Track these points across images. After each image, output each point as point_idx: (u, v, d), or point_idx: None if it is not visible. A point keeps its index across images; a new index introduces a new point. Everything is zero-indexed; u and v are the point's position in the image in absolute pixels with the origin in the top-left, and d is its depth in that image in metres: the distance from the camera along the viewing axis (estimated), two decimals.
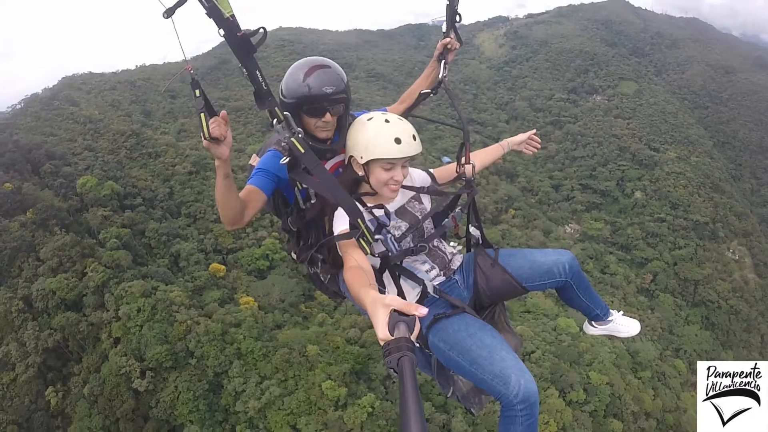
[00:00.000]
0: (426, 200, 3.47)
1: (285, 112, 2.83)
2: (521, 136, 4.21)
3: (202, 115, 2.58)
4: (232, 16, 2.46)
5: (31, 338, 44.34)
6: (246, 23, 2.51)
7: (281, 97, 3.17)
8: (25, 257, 49.79)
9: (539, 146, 4.24)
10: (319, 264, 3.46)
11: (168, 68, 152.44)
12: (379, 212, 3.08)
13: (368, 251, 2.82)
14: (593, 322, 3.98)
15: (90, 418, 41.40)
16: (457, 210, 3.53)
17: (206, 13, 2.43)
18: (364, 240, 2.81)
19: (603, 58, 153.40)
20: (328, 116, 3.20)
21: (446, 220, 3.48)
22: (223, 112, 2.67)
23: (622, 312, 4.02)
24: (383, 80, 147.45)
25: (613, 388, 54.10)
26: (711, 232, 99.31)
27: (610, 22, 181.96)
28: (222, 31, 2.50)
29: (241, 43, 2.55)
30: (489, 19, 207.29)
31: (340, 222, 2.96)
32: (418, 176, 3.52)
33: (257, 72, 2.68)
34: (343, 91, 3.20)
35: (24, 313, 45.84)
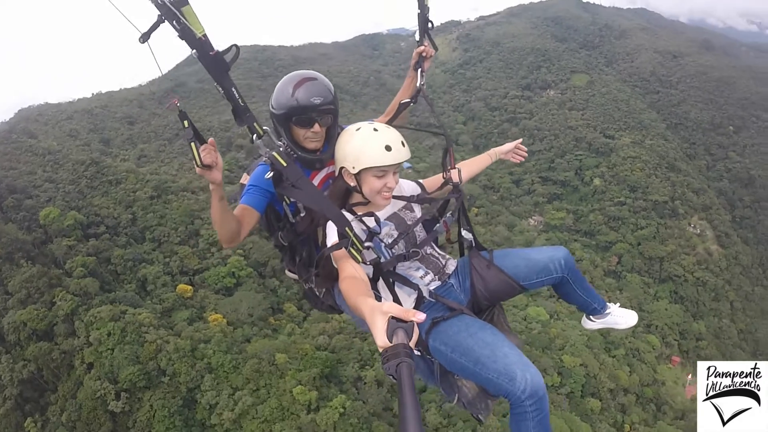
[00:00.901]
0: (417, 209, 3.56)
1: (264, 127, 2.98)
2: (508, 146, 4.37)
3: (193, 144, 2.71)
4: (204, 35, 2.57)
5: (5, 371, 45.38)
6: (215, 42, 2.69)
7: (271, 110, 3.32)
8: None
9: (526, 155, 4.42)
10: (314, 279, 3.54)
11: (125, 94, 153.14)
12: (369, 220, 3.17)
13: (359, 259, 2.88)
14: (591, 317, 4.06)
15: None
16: (447, 215, 3.63)
17: (178, 35, 2.54)
18: (354, 248, 2.87)
19: (554, 53, 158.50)
20: (317, 127, 3.30)
21: (437, 225, 3.57)
22: (211, 139, 2.82)
23: (618, 304, 4.13)
24: (340, 91, 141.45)
25: (588, 369, 56.77)
26: (671, 210, 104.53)
27: (559, 18, 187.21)
28: (195, 52, 2.61)
29: (215, 62, 2.66)
30: (442, 24, 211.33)
31: (333, 233, 3.02)
32: (408, 186, 3.63)
33: (233, 89, 2.78)
34: (331, 102, 3.33)
35: None
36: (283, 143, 3.32)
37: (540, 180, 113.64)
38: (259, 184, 3.29)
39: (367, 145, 3.05)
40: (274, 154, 2.92)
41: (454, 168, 3.66)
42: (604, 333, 65.75)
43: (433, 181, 3.80)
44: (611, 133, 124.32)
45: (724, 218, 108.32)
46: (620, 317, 4.00)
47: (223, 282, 63.55)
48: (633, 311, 4.09)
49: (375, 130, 3.12)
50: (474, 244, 3.59)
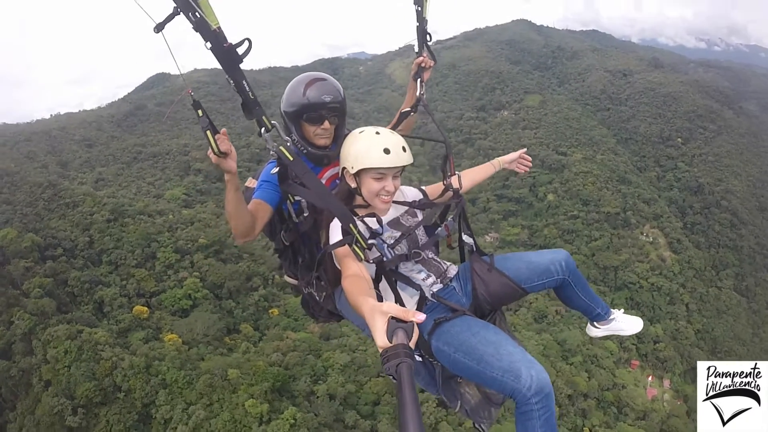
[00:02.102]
0: (419, 215, 3.61)
1: (272, 121, 3.06)
2: (512, 155, 4.40)
3: (208, 132, 2.79)
4: (219, 28, 2.64)
5: None
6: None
7: (282, 109, 3.53)
8: None
9: (531, 164, 4.47)
10: (314, 282, 3.59)
11: (84, 116, 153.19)
12: (372, 221, 3.24)
13: (362, 257, 2.91)
14: (595, 323, 4.06)
15: None
16: (449, 219, 3.69)
17: (193, 27, 2.60)
18: (357, 246, 2.91)
19: (508, 75, 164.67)
20: (326, 124, 3.50)
21: (439, 228, 3.66)
22: (223, 129, 2.89)
23: (623, 310, 4.12)
24: None
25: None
26: (623, 221, 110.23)
27: (513, 41, 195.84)
28: (209, 44, 2.65)
29: (228, 54, 2.72)
30: (399, 48, 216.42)
31: (336, 234, 3.05)
32: (410, 192, 3.69)
33: (244, 82, 2.86)
34: (340, 101, 3.53)
35: None
36: (293, 140, 3.48)
37: (495, 198, 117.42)
38: (271, 180, 3.42)
39: (367, 147, 3.15)
40: (281, 148, 3.02)
41: (454, 175, 3.79)
42: (561, 341, 69.78)
43: (435, 188, 3.89)
44: (563, 150, 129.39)
45: (676, 225, 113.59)
46: (625, 323, 4.08)
47: (180, 304, 65.50)
48: (638, 317, 4.15)
49: (377, 133, 3.23)
50: (475, 249, 3.65)
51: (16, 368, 48.06)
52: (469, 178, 4.10)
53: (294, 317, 67.95)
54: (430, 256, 3.53)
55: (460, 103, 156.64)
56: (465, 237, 3.65)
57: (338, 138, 3.64)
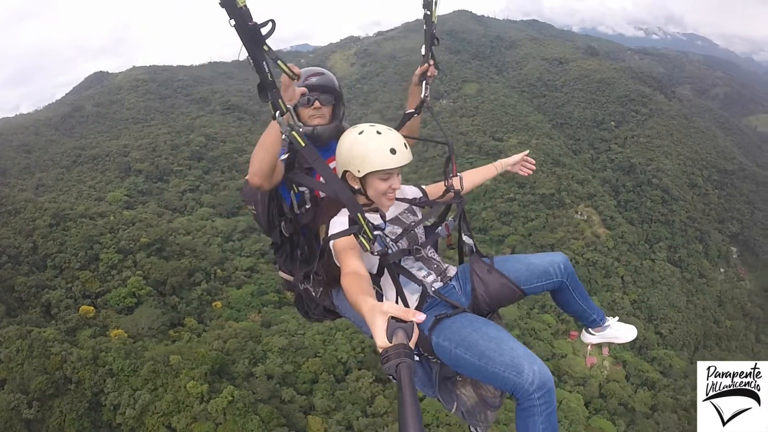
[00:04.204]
0: (419, 212, 3.78)
1: (288, 105, 3.09)
2: (515, 158, 4.53)
3: (280, 61, 3.03)
4: (245, 6, 2.69)
5: None
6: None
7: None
8: None
9: (534, 167, 4.56)
10: (311, 278, 3.64)
11: (20, 121, 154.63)
12: (373, 216, 3.26)
13: (367, 248, 2.94)
14: (590, 329, 4.24)
15: None
16: (449, 219, 3.83)
17: (219, 3, 2.64)
18: (364, 236, 2.94)
19: (447, 65, 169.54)
20: (317, 104, 3.80)
21: (439, 228, 3.79)
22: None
23: (617, 318, 4.29)
24: (239, 111, 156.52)
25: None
26: (558, 201, 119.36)
27: (453, 32, 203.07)
28: (233, 21, 2.70)
29: (252, 33, 2.78)
30: (341, 40, 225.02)
31: (337, 228, 3.12)
32: (410, 191, 3.87)
33: (264, 63, 2.89)
34: (329, 84, 3.90)
35: None
36: (302, 126, 3.50)
37: (434, 184, 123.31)
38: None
39: (372, 148, 3.19)
40: (294, 133, 3.05)
41: (456, 176, 3.88)
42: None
43: (435, 188, 4.03)
44: (500, 135, 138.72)
45: (609, 203, 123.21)
46: (619, 331, 4.21)
47: (125, 302, 69.32)
48: (632, 326, 4.28)
49: (378, 132, 3.26)
50: (475, 250, 3.74)
51: None
52: (470, 179, 4.17)
53: (237, 308, 73.64)
54: (430, 254, 3.69)
55: (400, 93, 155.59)
56: (465, 237, 3.77)
57: (335, 118, 4.00)
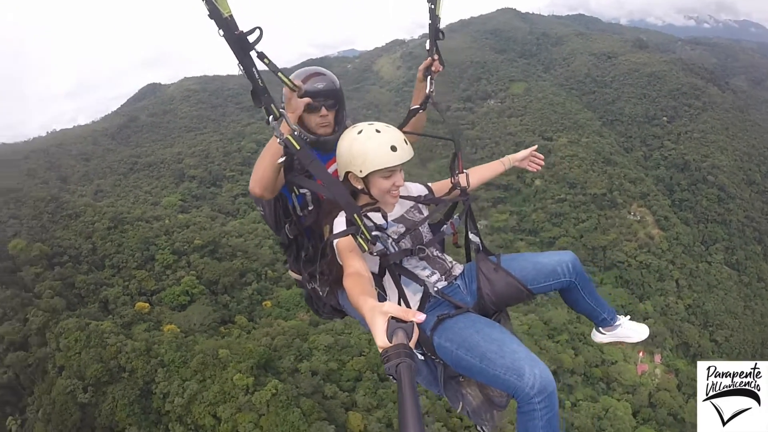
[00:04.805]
0: (425, 210, 3.70)
1: (281, 109, 3.12)
2: (523, 153, 4.41)
3: (280, 74, 3.16)
4: (231, 16, 2.74)
5: None
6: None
7: (282, 106, 3.52)
8: None
9: (543, 163, 4.46)
10: (318, 277, 3.73)
11: (79, 132, 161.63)
12: (376, 216, 3.33)
13: (366, 248, 2.96)
14: (601, 329, 4.17)
15: None
16: (455, 217, 3.79)
17: (208, 15, 2.70)
18: (362, 237, 2.94)
19: (493, 64, 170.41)
20: (323, 111, 3.77)
21: (444, 226, 3.74)
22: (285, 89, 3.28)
23: (629, 317, 4.21)
24: None
25: None
26: (610, 201, 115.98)
27: (498, 30, 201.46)
28: (221, 31, 2.76)
29: (239, 41, 2.82)
30: (386, 44, 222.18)
31: (340, 228, 3.13)
32: (416, 188, 3.82)
33: (254, 69, 2.94)
34: (335, 89, 3.86)
35: None
36: (298, 130, 3.49)
37: (483, 186, 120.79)
38: None
39: (372, 147, 3.18)
40: (289, 137, 3.03)
41: (462, 172, 3.84)
42: (546, 320, 73.40)
43: (441, 186, 3.98)
44: (549, 135, 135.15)
45: (663, 203, 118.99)
46: (631, 330, 4.14)
47: (178, 300, 72.74)
48: (644, 325, 4.21)
49: (377, 131, 3.24)
50: (481, 248, 3.73)
51: (33, 357, 55.80)
52: (477, 176, 4.13)
53: (286, 308, 75.07)
54: (435, 253, 3.63)
55: (447, 95, 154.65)
56: (471, 236, 3.77)
57: (338, 124, 3.96)
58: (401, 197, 3.56)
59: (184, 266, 79.52)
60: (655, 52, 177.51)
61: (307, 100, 3.57)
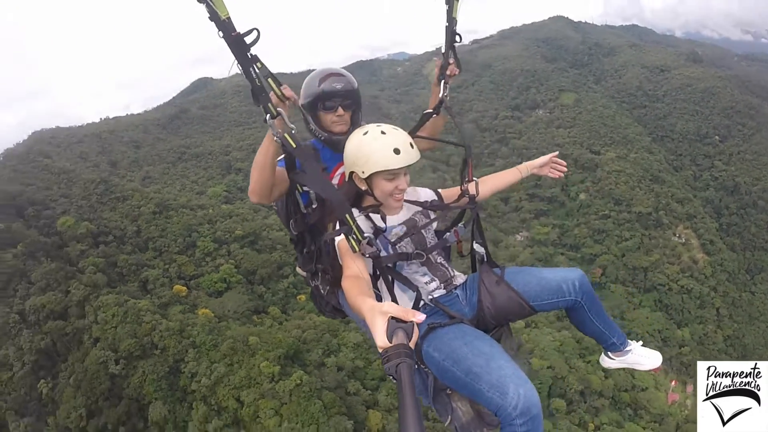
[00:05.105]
0: (432, 216, 3.61)
1: (278, 108, 3.13)
2: (542, 159, 4.20)
3: (270, 80, 3.14)
4: (228, 18, 2.82)
5: (26, 341, 57.96)
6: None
7: (300, 102, 3.73)
8: (19, 281, 64.10)
9: (565, 169, 4.23)
10: (320, 275, 3.80)
11: (131, 120, 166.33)
12: (376, 217, 3.31)
13: (356, 249, 2.98)
14: (610, 353, 3.98)
15: (75, 399, 53.73)
16: (460, 225, 3.73)
17: (208, 17, 2.80)
18: (353, 237, 2.99)
19: (543, 73, 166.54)
20: (340, 110, 3.75)
21: (448, 233, 3.66)
22: (285, 85, 3.25)
23: (641, 342, 4.03)
24: None
25: (556, 371, 61.29)
26: (655, 221, 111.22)
27: (550, 39, 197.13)
28: (221, 33, 2.85)
29: (236, 42, 2.89)
30: (437, 48, 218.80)
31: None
32: (425, 194, 3.70)
33: (251, 69, 2.99)
34: (352, 90, 3.83)
35: (19, 324, 59.90)
36: (312, 129, 3.83)
37: (527, 197, 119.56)
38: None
39: (376, 148, 3.14)
40: (286, 135, 3.12)
41: (472, 180, 3.75)
42: (579, 339, 68.90)
43: (452, 192, 3.84)
44: (597, 148, 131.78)
45: (710, 226, 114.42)
46: (642, 356, 3.96)
47: (215, 287, 74.79)
48: (657, 352, 4.04)
49: (383, 132, 3.20)
50: (486, 259, 3.67)
51: (71, 327, 58.52)
52: (490, 184, 4.03)
53: None
54: (438, 260, 3.57)
55: (496, 102, 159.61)
56: (476, 246, 3.70)
57: (354, 124, 3.85)
58: (408, 201, 3.52)
59: (224, 255, 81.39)
60: (709, 67, 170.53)
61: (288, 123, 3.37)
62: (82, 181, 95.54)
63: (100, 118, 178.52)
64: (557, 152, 4.28)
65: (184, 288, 73.37)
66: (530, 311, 3.36)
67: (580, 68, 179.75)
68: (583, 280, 3.43)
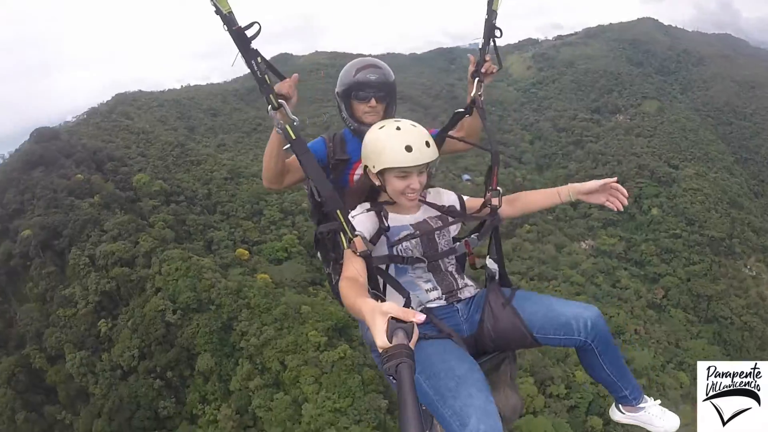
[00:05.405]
0: (449, 221, 3.40)
1: (280, 100, 3.10)
2: (592, 184, 3.43)
3: (266, 76, 3.09)
4: (230, 12, 2.86)
5: (92, 283, 61.23)
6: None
7: (336, 90, 3.78)
8: (92, 228, 67.43)
9: (626, 201, 3.42)
10: (331, 264, 3.62)
11: (210, 89, 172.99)
12: (389, 215, 3.22)
13: (345, 245, 2.91)
14: (621, 407, 3.61)
15: (130, 341, 57.00)
16: (472, 236, 3.44)
17: (214, 11, 2.86)
18: (343, 233, 2.92)
19: (627, 77, 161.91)
20: (373, 101, 3.70)
21: (458, 243, 3.41)
22: (294, 75, 3.31)
23: (659, 401, 3.65)
24: (411, 102, 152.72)
25: (599, 389, 57.37)
26: (727, 248, 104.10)
27: (637, 41, 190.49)
28: (226, 26, 2.89)
29: (238, 35, 2.92)
30: (519, 41, 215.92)
31: (358, 223, 3.03)
32: (448, 198, 3.55)
33: (253, 62, 2.98)
34: (387, 82, 3.74)
35: (88, 267, 63.22)
36: (343, 118, 3.80)
37: (598, 204, 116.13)
38: (312, 147, 3.66)
39: (388, 144, 3.03)
40: (287, 126, 3.04)
41: (496, 189, 3.41)
42: (629, 360, 65.41)
43: (477, 201, 3.57)
44: (675, 162, 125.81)
45: None
46: (657, 417, 3.57)
47: (276, 255, 77.47)
48: (676, 416, 3.62)
49: (398, 128, 3.09)
50: (497, 277, 3.40)
51: (136, 275, 61.73)
52: (523, 200, 3.63)
53: None
54: (449, 269, 3.37)
55: (575, 102, 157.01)
56: (489, 261, 3.43)
57: (388, 116, 3.74)
58: (425, 203, 3.39)
59: (289, 225, 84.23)
60: None
61: (293, 104, 3.38)
62: (159, 143, 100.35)
63: (181, 86, 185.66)
64: (615, 178, 3.47)
65: (247, 252, 76.08)
66: (532, 342, 3.08)
67: (667, 75, 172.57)
68: (597, 321, 3.07)
